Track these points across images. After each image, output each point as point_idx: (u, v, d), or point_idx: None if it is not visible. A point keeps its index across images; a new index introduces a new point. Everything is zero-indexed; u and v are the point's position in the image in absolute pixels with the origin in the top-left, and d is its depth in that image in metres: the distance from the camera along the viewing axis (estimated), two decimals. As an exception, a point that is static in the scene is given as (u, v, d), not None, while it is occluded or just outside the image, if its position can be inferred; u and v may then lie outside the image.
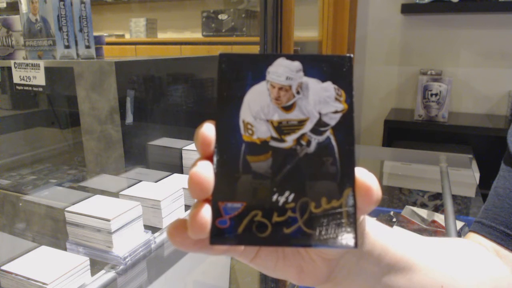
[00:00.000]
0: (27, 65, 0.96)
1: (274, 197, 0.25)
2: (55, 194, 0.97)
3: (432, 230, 0.93)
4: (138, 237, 0.72)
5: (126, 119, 0.92)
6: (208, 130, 0.24)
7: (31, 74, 0.95)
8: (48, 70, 0.94)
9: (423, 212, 0.99)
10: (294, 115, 0.26)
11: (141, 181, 0.86)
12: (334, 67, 0.26)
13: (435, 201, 1.18)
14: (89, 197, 0.74)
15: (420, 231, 0.92)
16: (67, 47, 0.98)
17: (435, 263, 0.35)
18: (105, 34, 1.83)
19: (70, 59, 0.99)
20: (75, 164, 1.16)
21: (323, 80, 0.26)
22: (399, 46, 2.28)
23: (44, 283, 0.55)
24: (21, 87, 0.98)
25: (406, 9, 2.09)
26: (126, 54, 2.68)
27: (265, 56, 0.26)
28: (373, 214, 1.00)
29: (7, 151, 1.21)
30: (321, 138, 0.25)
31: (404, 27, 2.25)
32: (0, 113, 1.23)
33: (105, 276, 0.65)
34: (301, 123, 0.26)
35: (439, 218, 0.97)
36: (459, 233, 0.89)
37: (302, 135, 0.25)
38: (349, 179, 0.25)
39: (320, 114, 0.25)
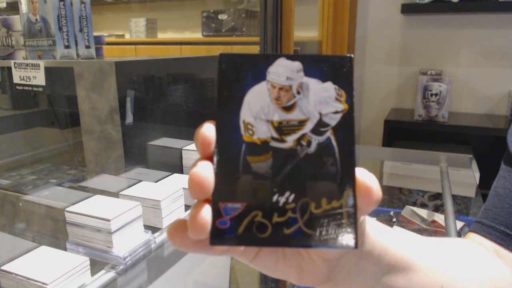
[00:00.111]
0: (27, 65, 0.95)
1: (275, 198, 0.25)
2: (55, 194, 0.97)
3: (432, 230, 0.93)
4: (138, 237, 0.72)
5: (126, 119, 0.92)
6: (208, 130, 0.24)
7: (31, 74, 0.95)
8: (48, 70, 0.94)
9: (423, 212, 0.99)
10: (294, 115, 0.26)
11: (141, 181, 0.86)
12: (334, 67, 0.26)
13: (435, 201, 1.18)
14: (89, 197, 0.74)
15: (420, 231, 0.92)
16: (67, 47, 0.98)
17: (435, 263, 0.35)
18: (105, 34, 1.83)
19: (70, 59, 0.99)
20: (75, 164, 1.16)
21: (324, 80, 0.26)
22: (399, 46, 2.28)
23: (44, 283, 0.55)
24: (21, 87, 0.98)
25: (406, 9, 2.09)
26: (126, 54, 2.68)
27: (265, 56, 0.26)
28: (373, 214, 1.00)
29: (7, 151, 1.21)
30: (322, 138, 0.25)
31: (404, 27, 2.25)
32: (0, 113, 1.23)
33: (105, 276, 0.65)
34: (302, 123, 0.26)
35: (439, 218, 0.97)
36: (459, 233, 0.88)
37: (303, 136, 0.25)
38: (350, 180, 0.25)
39: (320, 114, 0.25)
